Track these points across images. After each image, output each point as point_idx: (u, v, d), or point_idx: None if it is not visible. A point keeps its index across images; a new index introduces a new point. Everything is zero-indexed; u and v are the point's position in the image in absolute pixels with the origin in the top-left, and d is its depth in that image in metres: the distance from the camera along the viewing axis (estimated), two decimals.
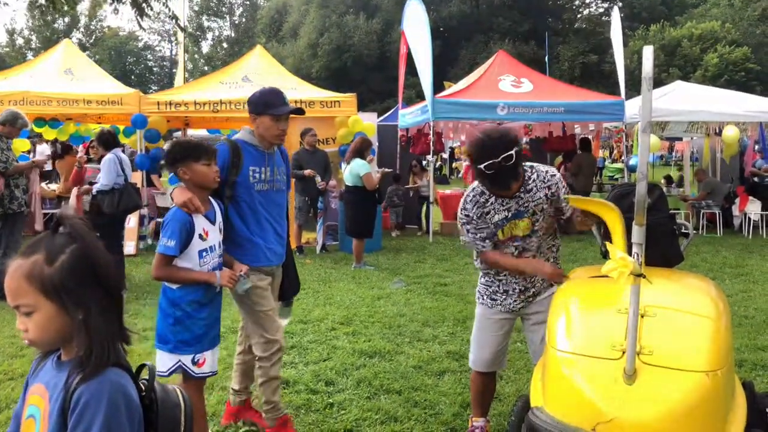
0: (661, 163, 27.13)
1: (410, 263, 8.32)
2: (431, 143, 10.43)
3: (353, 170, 7.85)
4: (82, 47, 43.81)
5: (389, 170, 10.28)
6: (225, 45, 55.17)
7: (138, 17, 7.18)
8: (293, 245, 8.14)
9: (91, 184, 6.44)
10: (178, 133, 12.29)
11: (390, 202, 10.86)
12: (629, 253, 1.99)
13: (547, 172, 2.95)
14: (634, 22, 37.69)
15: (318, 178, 8.49)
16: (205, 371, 2.85)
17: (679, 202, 11.76)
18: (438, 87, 11.82)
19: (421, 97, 12.08)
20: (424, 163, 11.77)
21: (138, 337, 4.80)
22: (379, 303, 6.17)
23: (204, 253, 2.79)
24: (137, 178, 8.63)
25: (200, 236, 2.77)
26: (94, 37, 52.98)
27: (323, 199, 9.03)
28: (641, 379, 1.94)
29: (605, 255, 2.71)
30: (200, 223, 2.78)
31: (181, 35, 17.47)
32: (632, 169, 11.28)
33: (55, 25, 49.73)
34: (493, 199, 2.93)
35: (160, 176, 11.18)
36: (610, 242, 2.36)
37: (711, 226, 11.30)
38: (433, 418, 3.55)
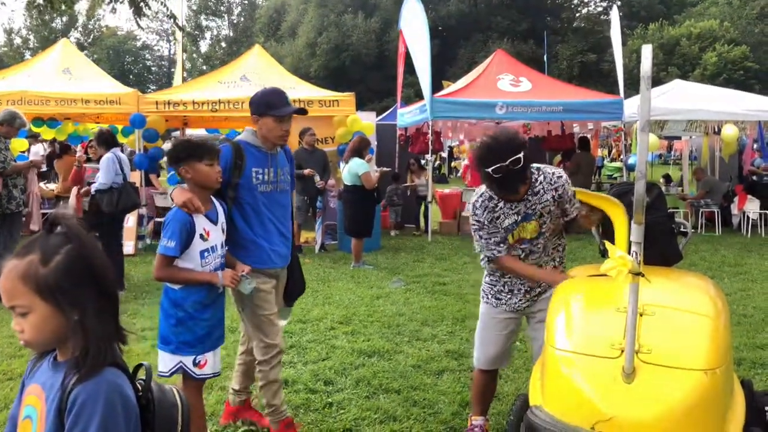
0: (660, 162, 27.13)
1: (409, 262, 8.32)
2: (430, 142, 10.43)
3: (352, 170, 7.85)
4: (80, 47, 43.73)
5: (388, 169, 10.28)
6: (223, 44, 55.14)
7: (136, 17, 7.17)
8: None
9: (90, 184, 6.43)
10: (177, 133, 12.29)
11: (390, 202, 10.86)
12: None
13: (553, 173, 2.93)
14: (633, 21, 37.68)
15: (317, 178, 8.48)
16: (206, 373, 2.83)
17: (678, 200, 11.77)
18: (436, 86, 11.82)
19: (419, 96, 12.07)
20: (423, 162, 11.77)
21: (136, 337, 4.79)
22: (378, 302, 6.17)
23: (205, 254, 2.78)
24: (136, 177, 8.61)
25: (201, 236, 2.76)
26: (92, 37, 52.93)
27: (322, 198, 9.02)
28: (640, 378, 1.93)
29: (604, 254, 2.71)
30: (201, 223, 2.76)
31: (179, 34, 17.44)
32: (631, 168, 11.30)
33: (53, 25, 49.67)
34: (502, 204, 2.92)
35: (158, 176, 11.17)
36: (609, 241, 2.36)
37: (710, 224, 11.31)
38: (432, 417, 3.55)
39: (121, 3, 6.96)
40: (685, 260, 3.13)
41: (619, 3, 37.53)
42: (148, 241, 9.34)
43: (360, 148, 7.97)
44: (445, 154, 23.25)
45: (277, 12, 47.36)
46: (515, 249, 3.00)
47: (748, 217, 11.12)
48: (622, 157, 13.16)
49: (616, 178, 20.99)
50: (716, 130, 12.34)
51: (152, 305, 5.75)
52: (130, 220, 8.47)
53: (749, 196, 11.26)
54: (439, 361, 4.45)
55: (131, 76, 50.26)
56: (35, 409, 1.30)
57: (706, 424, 1.93)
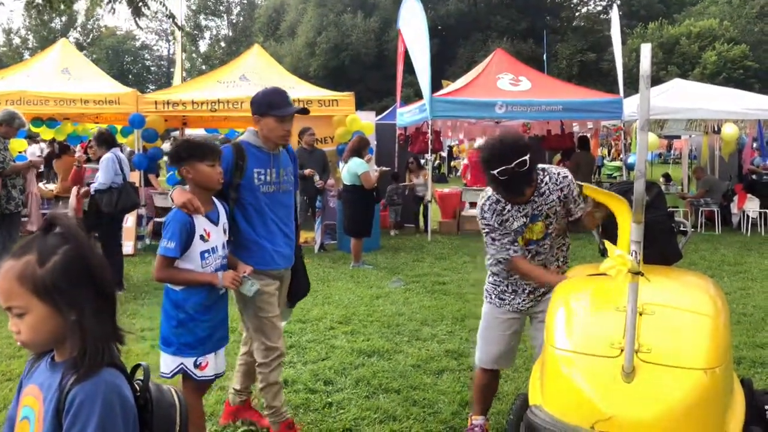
0: (660, 161, 27.14)
1: (409, 262, 8.32)
2: (429, 142, 10.43)
3: (351, 169, 7.84)
4: (80, 47, 43.73)
5: (387, 169, 10.28)
6: (222, 44, 55.14)
7: (135, 17, 7.16)
8: None
9: (89, 184, 6.43)
10: (176, 133, 12.28)
11: (390, 201, 10.86)
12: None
13: (558, 174, 2.92)
14: (633, 20, 37.68)
15: (316, 177, 8.48)
16: (207, 374, 2.81)
17: (678, 199, 11.76)
18: (436, 85, 11.81)
19: (419, 95, 12.04)
20: (422, 161, 11.76)
21: (135, 337, 4.78)
22: (378, 302, 6.17)
23: (206, 254, 2.77)
24: (135, 177, 8.61)
25: (201, 237, 2.75)
26: (91, 37, 52.92)
27: (321, 198, 9.01)
28: (640, 377, 1.93)
29: (603, 253, 2.70)
30: (201, 223, 2.75)
31: (178, 34, 17.46)
32: (631, 167, 11.30)
33: (52, 25, 49.66)
34: (509, 206, 2.91)
35: (157, 176, 11.16)
36: (609, 241, 2.36)
37: (709, 223, 11.31)
38: (431, 417, 3.54)
39: (119, 3, 6.96)
40: (684, 259, 3.13)
41: (618, 2, 37.52)
42: (147, 241, 9.34)
43: (359, 148, 7.97)
44: (444, 154, 23.25)
45: (277, 12, 47.35)
46: (522, 250, 3.00)
47: (747, 216, 11.12)
48: (621, 156, 13.17)
49: (615, 178, 20.99)
50: (716, 129, 12.34)
51: (151, 305, 5.76)
52: (130, 221, 8.47)
53: (749, 195, 11.26)
54: (438, 361, 4.45)
55: (130, 76, 50.26)
56: (33, 410, 1.30)
57: (705, 423, 1.92)
